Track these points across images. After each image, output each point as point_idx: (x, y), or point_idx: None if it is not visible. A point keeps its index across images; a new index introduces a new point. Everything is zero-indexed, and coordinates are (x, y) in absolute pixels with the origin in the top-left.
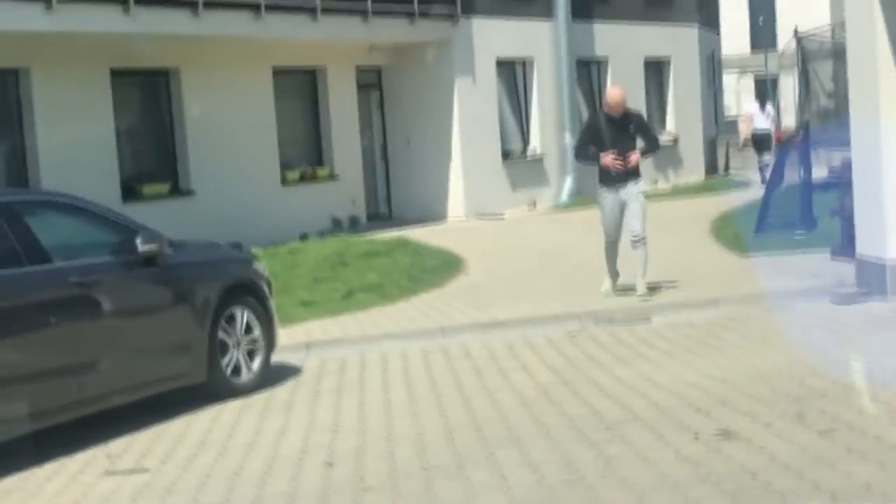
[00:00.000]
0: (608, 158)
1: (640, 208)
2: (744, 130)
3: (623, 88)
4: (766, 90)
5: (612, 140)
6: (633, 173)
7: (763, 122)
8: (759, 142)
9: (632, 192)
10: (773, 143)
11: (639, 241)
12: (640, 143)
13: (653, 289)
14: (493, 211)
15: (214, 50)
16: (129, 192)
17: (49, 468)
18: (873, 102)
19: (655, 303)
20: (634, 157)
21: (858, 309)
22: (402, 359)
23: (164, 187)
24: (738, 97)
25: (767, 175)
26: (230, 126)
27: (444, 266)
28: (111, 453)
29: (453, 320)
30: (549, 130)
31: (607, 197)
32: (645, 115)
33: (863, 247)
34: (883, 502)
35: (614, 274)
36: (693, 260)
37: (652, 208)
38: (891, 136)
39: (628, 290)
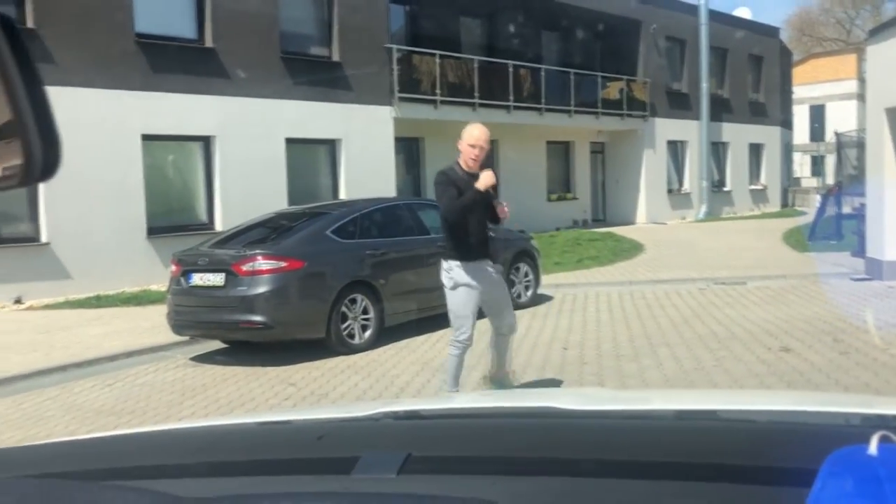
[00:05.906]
0: (502, 209)
1: (507, 294)
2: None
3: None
4: (819, 164)
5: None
6: (489, 252)
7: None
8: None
9: (494, 275)
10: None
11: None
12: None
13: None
14: (661, 220)
15: (516, 130)
16: None
17: (423, 337)
18: (880, 173)
19: (750, 274)
20: (502, 209)
21: (865, 285)
22: (607, 296)
23: None
24: (801, 167)
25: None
26: (523, 169)
27: (632, 248)
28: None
29: (636, 277)
30: (693, 178)
31: (462, 279)
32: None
33: (870, 250)
34: (875, 394)
35: (455, 383)
36: (771, 253)
37: (748, 223)
38: (890, 193)
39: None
